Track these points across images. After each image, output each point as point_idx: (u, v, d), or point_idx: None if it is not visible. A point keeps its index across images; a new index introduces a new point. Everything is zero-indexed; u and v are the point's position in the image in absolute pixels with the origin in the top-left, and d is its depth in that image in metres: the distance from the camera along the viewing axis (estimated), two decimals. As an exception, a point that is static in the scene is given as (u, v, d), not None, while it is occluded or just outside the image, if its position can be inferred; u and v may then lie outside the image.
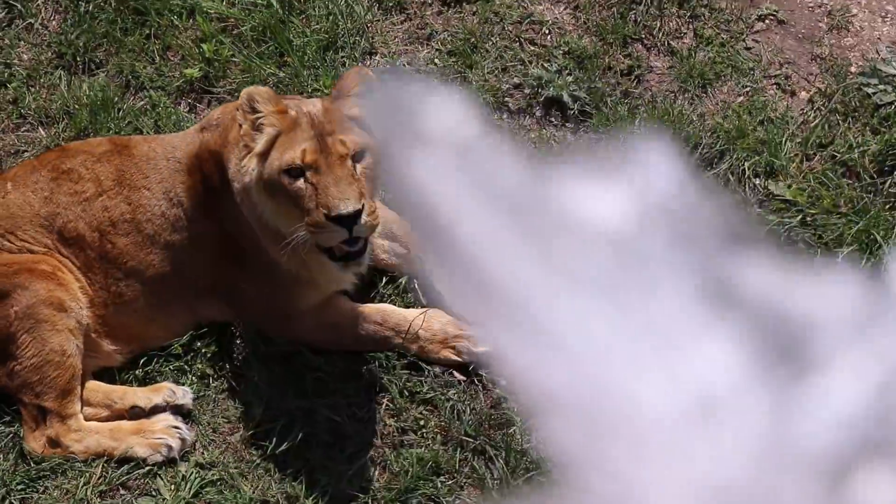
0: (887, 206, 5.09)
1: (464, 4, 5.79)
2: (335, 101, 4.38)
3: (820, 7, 5.80)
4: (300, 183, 4.21)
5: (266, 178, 4.29)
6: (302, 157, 4.20)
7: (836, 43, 5.67)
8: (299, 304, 4.67)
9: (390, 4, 5.78)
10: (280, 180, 4.24)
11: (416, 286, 4.93)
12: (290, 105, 4.37)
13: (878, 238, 4.92)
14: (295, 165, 4.21)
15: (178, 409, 4.66)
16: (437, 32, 5.70)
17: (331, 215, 4.12)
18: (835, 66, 5.55)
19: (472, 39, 5.64)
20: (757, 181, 5.22)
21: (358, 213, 4.13)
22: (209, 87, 5.53)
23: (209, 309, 4.77)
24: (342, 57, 5.57)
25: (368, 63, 5.58)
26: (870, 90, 5.42)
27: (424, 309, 4.78)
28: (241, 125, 4.37)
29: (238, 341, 4.78)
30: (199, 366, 4.77)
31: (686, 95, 5.51)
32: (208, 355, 4.79)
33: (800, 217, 5.05)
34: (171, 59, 5.68)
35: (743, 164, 5.23)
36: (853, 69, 5.55)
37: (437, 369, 4.72)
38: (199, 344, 4.80)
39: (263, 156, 4.32)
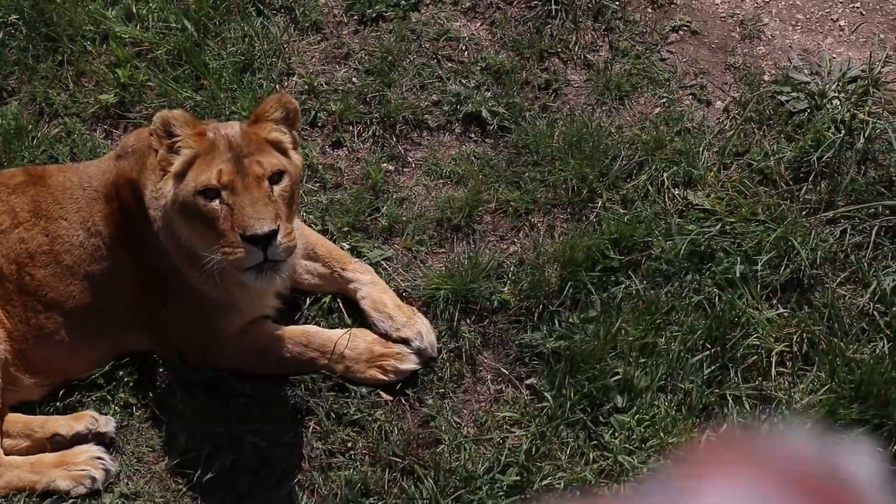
0: (804, 213, 5.14)
1: (380, 23, 5.79)
2: (254, 125, 4.36)
3: (732, 17, 5.87)
4: (215, 204, 4.17)
5: (182, 199, 4.24)
6: (218, 178, 4.16)
7: (749, 52, 5.73)
8: (222, 331, 4.62)
9: (306, 24, 5.77)
10: (195, 202, 4.19)
11: (341, 306, 4.91)
12: (209, 128, 4.34)
13: (796, 244, 4.97)
14: (210, 186, 4.17)
15: (100, 438, 4.60)
16: (354, 51, 5.69)
17: (245, 235, 4.08)
18: (748, 75, 5.61)
19: (390, 57, 5.64)
20: (676, 191, 5.25)
21: (273, 234, 4.09)
22: (125, 112, 5.48)
23: (133, 339, 4.71)
24: (259, 78, 5.54)
25: (286, 84, 5.56)
26: (783, 98, 5.49)
27: (349, 329, 4.76)
28: (156, 150, 4.32)
29: (161, 369, 4.72)
30: (122, 395, 4.71)
31: (604, 108, 5.54)
32: (131, 384, 4.73)
33: (719, 226, 5.09)
34: (86, 85, 5.62)
35: (662, 175, 5.26)
36: (766, 78, 5.61)
37: (364, 389, 4.70)
38: (121, 373, 4.73)
39: (180, 178, 4.28)
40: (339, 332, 4.74)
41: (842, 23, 5.85)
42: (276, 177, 4.24)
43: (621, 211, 5.19)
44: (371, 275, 4.91)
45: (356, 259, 4.96)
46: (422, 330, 4.77)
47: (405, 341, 4.75)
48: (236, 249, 4.10)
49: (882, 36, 5.78)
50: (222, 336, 4.63)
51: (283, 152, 4.37)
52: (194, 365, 4.67)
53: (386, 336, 4.76)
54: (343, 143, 5.41)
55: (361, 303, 4.85)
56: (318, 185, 5.27)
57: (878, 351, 4.73)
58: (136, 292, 4.62)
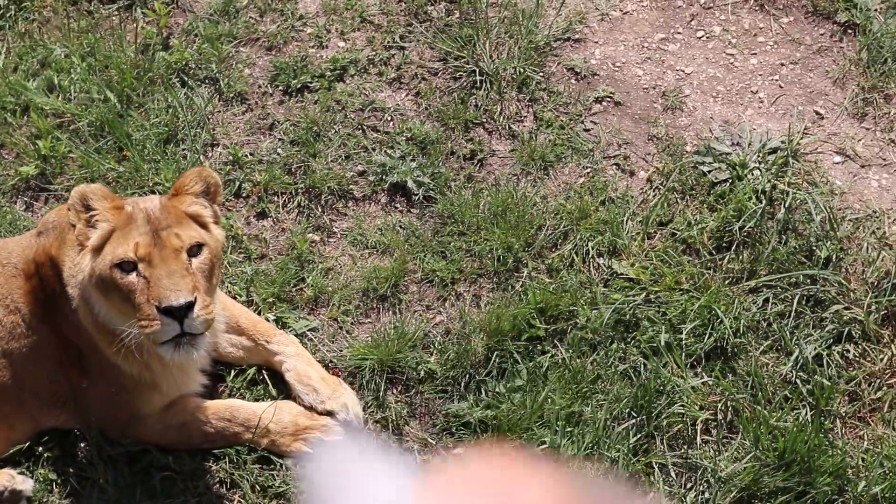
0: (727, 282, 5.19)
1: (305, 93, 5.80)
2: (173, 198, 4.32)
3: (654, 88, 5.94)
4: (132, 277, 4.12)
5: (99, 273, 4.18)
6: (135, 251, 4.12)
7: (671, 123, 5.80)
8: (144, 408, 4.56)
9: (231, 95, 5.76)
10: (112, 275, 4.13)
11: (266, 377, 4.87)
12: (127, 202, 4.30)
13: (720, 313, 5.01)
14: (127, 259, 4.12)
15: (16, 497, 4.49)
16: (279, 122, 5.69)
17: (161, 307, 4.03)
18: (671, 146, 5.68)
19: (315, 128, 5.64)
20: (601, 260, 5.28)
21: (190, 306, 4.05)
22: (46, 184, 5.42)
23: (54, 417, 4.62)
24: (183, 149, 5.51)
25: (210, 155, 5.54)
26: (705, 168, 5.55)
27: (274, 402, 4.71)
28: (74, 225, 4.27)
29: (82, 443, 4.64)
30: (42, 471, 4.61)
31: (529, 178, 5.58)
32: (51, 460, 4.63)
33: (644, 295, 5.12)
34: (6, 157, 5.56)
35: (587, 244, 5.30)
36: (688, 148, 5.68)
37: (290, 462, 4.64)
38: (40, 449, 4.64)
39: (97, 252, 4.22)
40: (263, 405, 4.69)
41: (761, 95, 5.95)
42: (194, 249, 4.20)
43: (547, 280, 5.21)
44: (296, 346, 4.87)
45: (281, 331, 4.93)
46: (347, 402, 4.73)
47: (331, 413, 4.71)
48: (153, 322, 4.05)
49: (800, 108, 5.88)
50: (144, 413, 4.56)
51: (204, 226, 4.33)
52: (116, 439, 4.59)
53: (312, 408, 4.72)
54: (268, 214, 5.39)
55: (286, 375, 4.81)
56: (242, 255, 5.24)
57: (801, 419, 4.77)
58: (56, 370, 4.53)
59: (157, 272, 4.08)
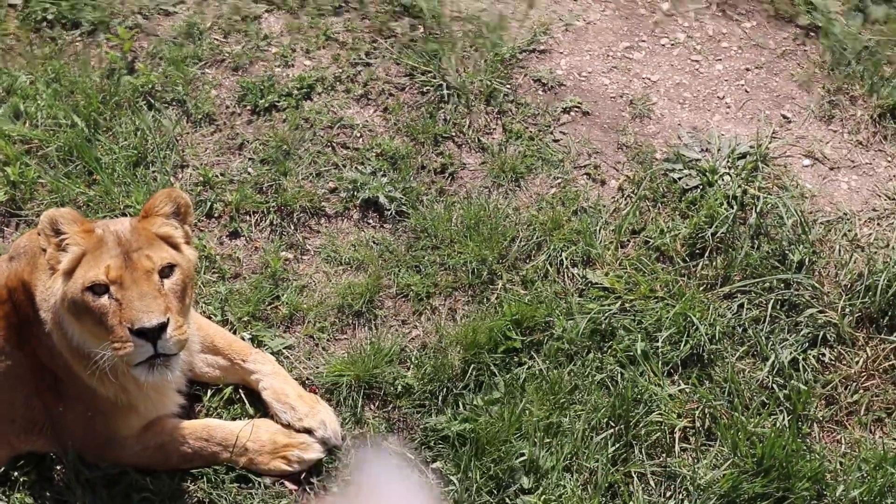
0: (701, 288, 5.20)
1: (274, 112, 5.79)
2: (144, 220, 4.31)
3: (622, 97, 5.96)
4: (104, 300, 4.10)
5: (71, 297, 4.16)
6: (106, 273, 4.09)
7: (639, 131, 5.82)
8: (120, 430, 4.53)
9: (199, 116, 5.75)
10: (84, 298, 4.11)
11: (243, 396, 4.85)
12: (97, 225, 4.28)
13: (695, 320, 5.02)
14: (99, 282, 4.09)
15: None
16: (248, 141, 5.68)
17: (134, 328, 4.01)
18: (640, 154, 5.70)
19: (285, 146, 5.63)
20: (575, 270, 5.29)
21: (163, 327, 4.03)
22: (16, 210, 5.38)
23: (29, 443, 4.59)
24: (153, 172, 5.49)
25: (181, 176, 5.52)
26: (675, 175, 5.57)
27: (251, 420, 4.69)
28: (45, 250, 4.25)
29: (59, 466, 4.60)
30: (18, 496, 4.57)
31: (500, 190, 5.58)
32: (27, 484, 4.59)
33: (619, 303, 5.13)
34: (-26, 183, 5.52)
35: (561, 255, 5.30)
36: (658, 155, 5.70)
37: (268, 480, 4.62)
38: (15, 474, 4.60)
39: (68, 275, 4.20)
40: (240, 424, 4.67)
41: (728, 100, 5.98)
42: (166, 271, 4.19)
43: (522, 292, 5.21)
44: (272, 365, 4.86)
45: (257, 349, 4.91)
46: (325, 419, 4.72)
47: (309, 430, 4.70)
48: (126, 344, 4.03)
49: (767, 112, 5.91)
50: (121, 435, 4.53)
51: (175, 247, 4.32)
52: (93, 462, 4.56)
53: (289, 426, 4.70)
54: (240, 233, 5.37)
55: (263, 394, 4.79)
56: (216, 275, 5.22)
57: (778, 424, 4.78)
58: (32, 395, 4.50)
59: (129, 294, 4.06)
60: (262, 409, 4.80)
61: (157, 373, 4.12)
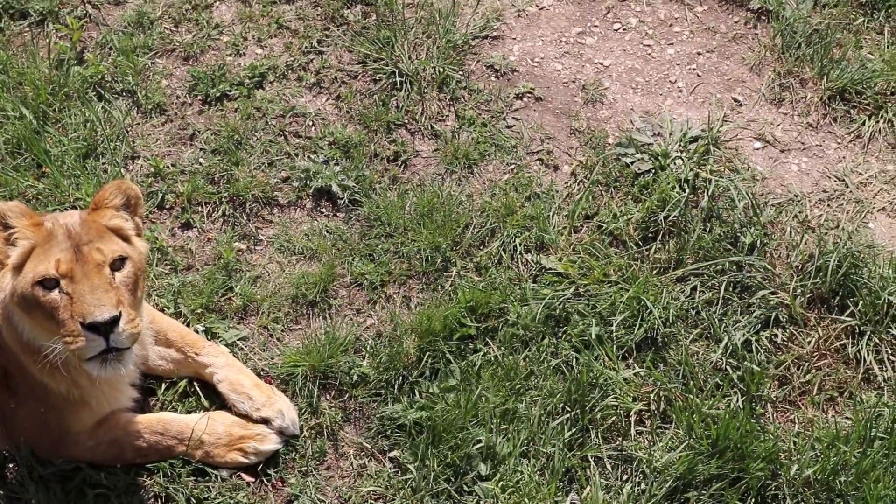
0: (654, 272, 5.22)
1: (225, 102, 5.76)
2: (94, 213, 4.26)
3: (574, 82, 5.97)
4: (55, 294, 4.05)
5: (20, 292, 4.11)
6: (56, 267, 4.05)
7: (592, 116, 5.83)
8: (73, 425, 4.49)
9: (149, 107, 5.71)
10: (34, 293, 4.06)
11: (197, 389, 4.83)
12: (46, 218, 4.23)
13: (648, 303, 5.04)
14: (49, 276, 4.05)
15: None
16: (199, 132, 5.64)
17: (86, 323, 3.97)
18: (593, 139, 5.71)
19: (236, 136, 5.60)
20: (529, 256, 5.29)
21: (115, 321, 3.99)
22: (-35, 203, 5.33)
23: None
24: (103, 163, 5.45)
25: (131, 167, 5.48)
26: (628, 160, 5.59)
27: (207, 413, 4.68)
28: None
29: (11, 464, 4.57)
30: (-28, 495, 4.55)
31: (453, 177, 5.58)
32: (-19, 482, 4.57)
33: (573, 288, 5.14)
34: (-78, 177, 5.47)
35: (514, 241, 5.31)
36: (610, 140, 5.71)
37: (225, 473, 4.60)
38: (-32, 472, 4.57)
39: (18, 270, 4.15)
40: (196, 416, 4.65)
41: (680, 84, 6.00)
42: (117, 263, 4.15)
43: (476, 278, 5.22)
44: (226, 357, 4.84)
45: (210, 342, 4.89)
46: (282, 408, 4.70)
47: (266, 420, 4.68)
48: (77, 339, 3.99)
49: (719, 96, 5.94)
50: (74, 430, 4.50)
51: (126, 239, 4.27)
52: (47, 459, 4.53)
53: (247, 416, 4.69)
54: (193, 225, 5.34)
55: (219, 386, 4.77)
56: (168, 267, 5.19)
57: (732, 405, 4.80)
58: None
59: (80, 288, 4.02)
60: (217, 401, 4.77)
61: (109, 367, 4.08)
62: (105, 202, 4.28)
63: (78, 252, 4.09)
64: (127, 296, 4.11)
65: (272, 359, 4.95)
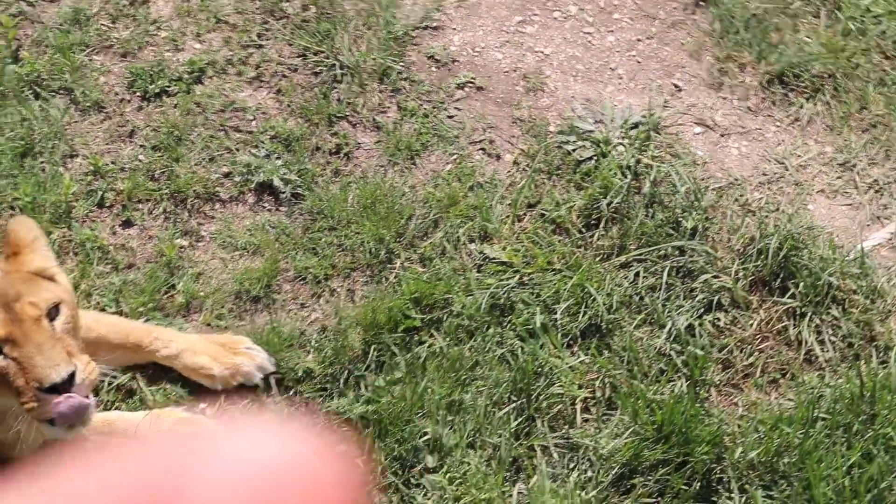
0: (598, 259, 5.24)
1: (164, 98, 5.72)
2: (12, 260, 3.99)
3: (515, 71, 5.98)
4: (1, 362, 3.77)
5: None
6: None
7: (533, 104, 5.84)
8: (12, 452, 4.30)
9: (87, 104, 5.66)
10: None
11: (140, 385, 4.80)
12: None
13: (592, 290, 5.05)
14: None
15: None
16: (139, 128, 5.61)
17: (44, 387, 3.71)
18: (535, 127, 5.72)
19: (176, 132, 5.57)
20: (473, 246, 5.30)
21: (72, 375, 3.75)
22: None
23: None
24: (41, 162, 5.40)
25: (69, 166, 5.43)
26: (570, 147, 5.60)
27: (153, 411, 4.64)
28: None
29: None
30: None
31: (396, 168, 5.57)
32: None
33: (517, 277, 5.15)
34: None
35: (458, 231, 5.31)
36: (552, 128, 5.73)
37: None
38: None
39: None
40: (141, 415, 4.61)
41: (620, 71, 6.02)
42: (53, 311, 3.88)
43: (420, 270, 5.22)
44: (176, 342, 4.75)
45: (157, 328, 4.81)
46: (248, 370, 4.69)
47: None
48: (39, 403, 3.75)
49: (659, 82, 5.96)
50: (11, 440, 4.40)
51: (51, 278, 4.03)
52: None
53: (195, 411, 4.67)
54: (133, 222, 5.31)
55: (183, 372, 4.72)
56: (109, 266, 5.16)
57: (676, 390, 4.83)
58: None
59: (26, 351, 3.76)
60: (161, 399, 4.75)
61: (76, 430, 3.85)
62: (22, 245, 4.03)
63: (9, 311, 3.81)
64: (72, 342, 3.89)
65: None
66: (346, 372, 4.88)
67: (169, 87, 5.76)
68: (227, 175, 5.49)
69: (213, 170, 5.49)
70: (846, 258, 5.16)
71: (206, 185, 5.42)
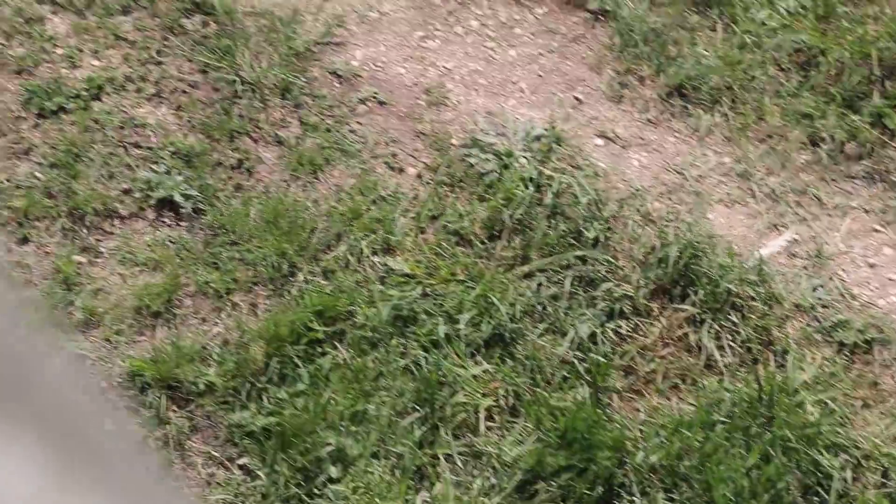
0: (501, 269, 5.26)
1: (62, 115, 5.66)
2: None
3: (417, 85, 6.00)
4: None
5: None
6: None
7: (436, 118, 5.86)
8: None
9: (-19, 123, 5.60)
10: None
11: None
12: None
13: (495, 300, 5.07)
14: None
15: None
16: (35, 146, 5.53)
17: None
18: (437, 141, 5.74)
19: (74, 149, 5.51)
20: (376, 259, 5.30)
21: None
22: None
23: None
24: (-65, 180, 5.32)
25: (-35, 183, 5.36)
26: (472, 160, 5.63)
27: None
28: None
29: None
30: None
31: (298, 183, 5.56)
32: None
33: (420, 289, 5.15)
34: None
35: (361, 244, 5.30)
36: (455, 141, 5.75)
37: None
38: None
39: None
40: None
41: (522, 85, 6.06)
42: None
43: (323, 283, 5.20)
44: None
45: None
46: None
47: None
48: None
49: (560, 95, 6.01)
50: None
51: None
52: None
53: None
54: (30, 239, 5.23)
55: None
56: (4, 284, 5.07)
57: (579, 397, 4.86)
58: None
59: None
60: None
61: None
62: None
63: None
64: None
65: (114, 369, 4.87)
66: (249, 385, 4.85)
67: (66, 104, 5.69)
68: (126, 192, 5.44)
69: (113, 186, 5.44)
70: (745, 266, 5.23)
71: (104, 201, 5.36)
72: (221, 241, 5.30)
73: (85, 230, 5.30)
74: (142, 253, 5.24)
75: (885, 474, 4.53)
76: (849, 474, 4.52)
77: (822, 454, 4.57)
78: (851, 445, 4.62)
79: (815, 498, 4.51)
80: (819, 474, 4.55)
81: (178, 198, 5.40)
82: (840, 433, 4.64)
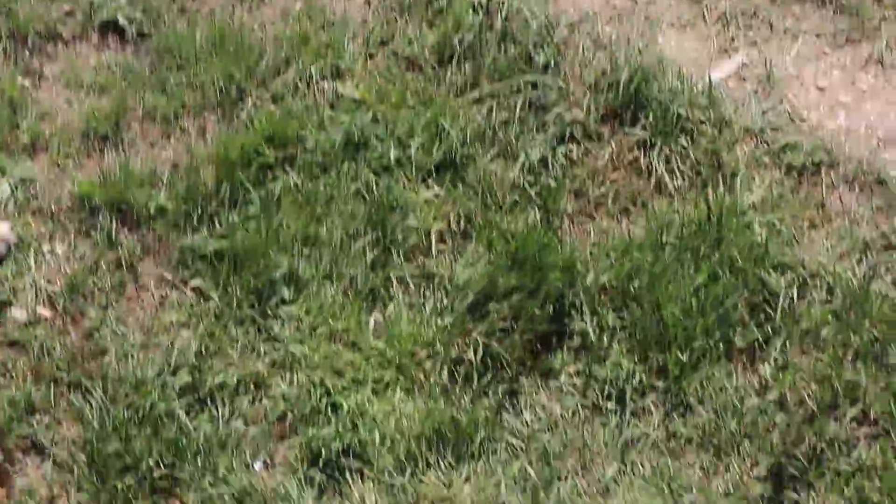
0: (451, 94, 5.24)
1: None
2: None
3: None
4: None
5: None
6: None
7: (384, -58, 5.76)
8: None
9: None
10: None
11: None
12: None
13: (446, 125, 5.05)
14: None
15: None
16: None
17: None
18: (385, -35, 5.65)
19: (14, -30, 5.38)
20: (325, 84, 5.26)
21: None
22: None
23: None
24: None
25: None
26: (422, -16, 5.56)
27: None
28: None
29: None
30: None
31: (244, 5, 5.48)
32: None
33: (370, 114, 5.13)
34: None
35: (310, 69, 5.25)
36: (401, -35, 5.66)
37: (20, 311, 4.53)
38: None
39: None
40: None
41: None
42: None
43: (272, 108, 5.16)
44: None
45: None
46: None
47: None
48: None
49: (510, -81, 5.91)
50: None
51: None
52: None
53: None
54: (-29, 60, 5.15)
55: None
56: (-52, 106, 5.00)
57: (530, 220, 4.88)
58: None
59: None
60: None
61: None
62: None
63: None
64: None
65: (63, 192, 4.84)
66: (200, 209, 4.83)
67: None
68: (68, 14, 5.34)
69: (54, 8, 5.34)
70: (695, 90, 5.23)
71: (46, 23, 5.26)
72: (168, 65, 5.23)
73: (27, 53, 5.21)
74: (87, 76, 5.16)
75: (829, 291, 4.60)
76: (795, 292, 4.59)
77: (769, 273, 4.63)
78: (798, 265, 4.68)
79: (762, 315, 4.58)
80: (766, 293, 4.61)
81: (122, 20, 5.31)
82: (787, 253, 4.69)
